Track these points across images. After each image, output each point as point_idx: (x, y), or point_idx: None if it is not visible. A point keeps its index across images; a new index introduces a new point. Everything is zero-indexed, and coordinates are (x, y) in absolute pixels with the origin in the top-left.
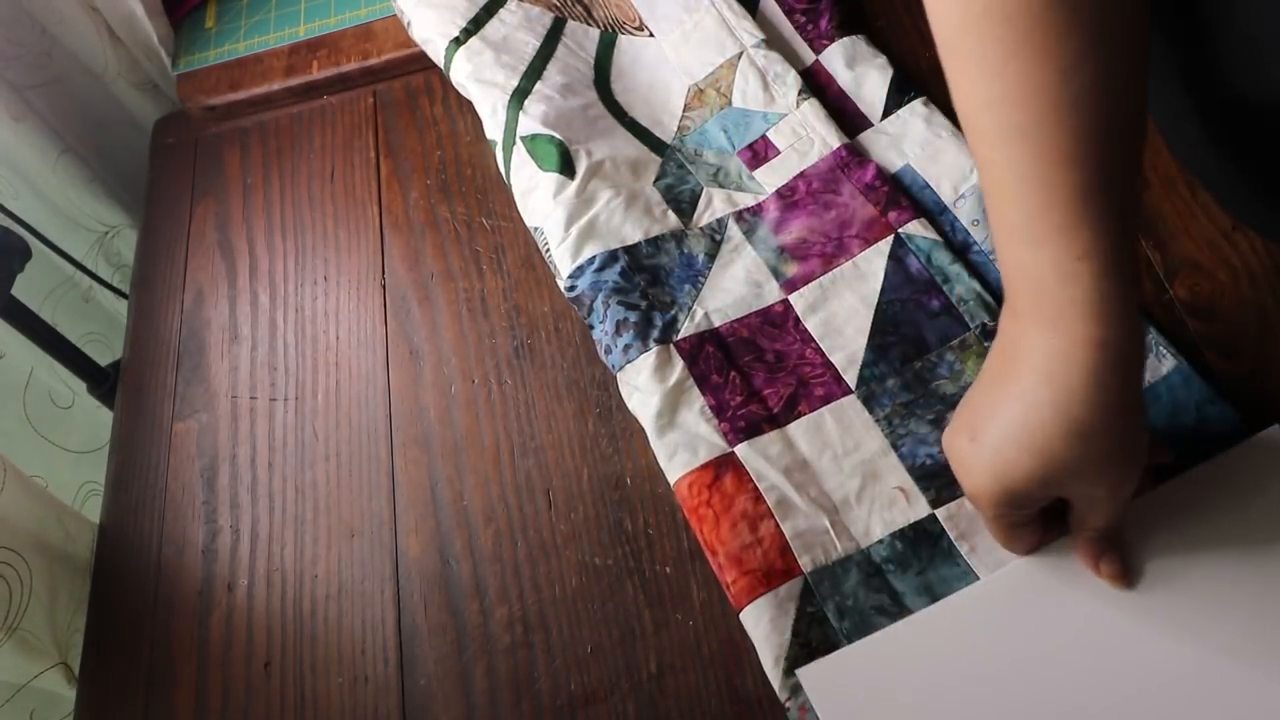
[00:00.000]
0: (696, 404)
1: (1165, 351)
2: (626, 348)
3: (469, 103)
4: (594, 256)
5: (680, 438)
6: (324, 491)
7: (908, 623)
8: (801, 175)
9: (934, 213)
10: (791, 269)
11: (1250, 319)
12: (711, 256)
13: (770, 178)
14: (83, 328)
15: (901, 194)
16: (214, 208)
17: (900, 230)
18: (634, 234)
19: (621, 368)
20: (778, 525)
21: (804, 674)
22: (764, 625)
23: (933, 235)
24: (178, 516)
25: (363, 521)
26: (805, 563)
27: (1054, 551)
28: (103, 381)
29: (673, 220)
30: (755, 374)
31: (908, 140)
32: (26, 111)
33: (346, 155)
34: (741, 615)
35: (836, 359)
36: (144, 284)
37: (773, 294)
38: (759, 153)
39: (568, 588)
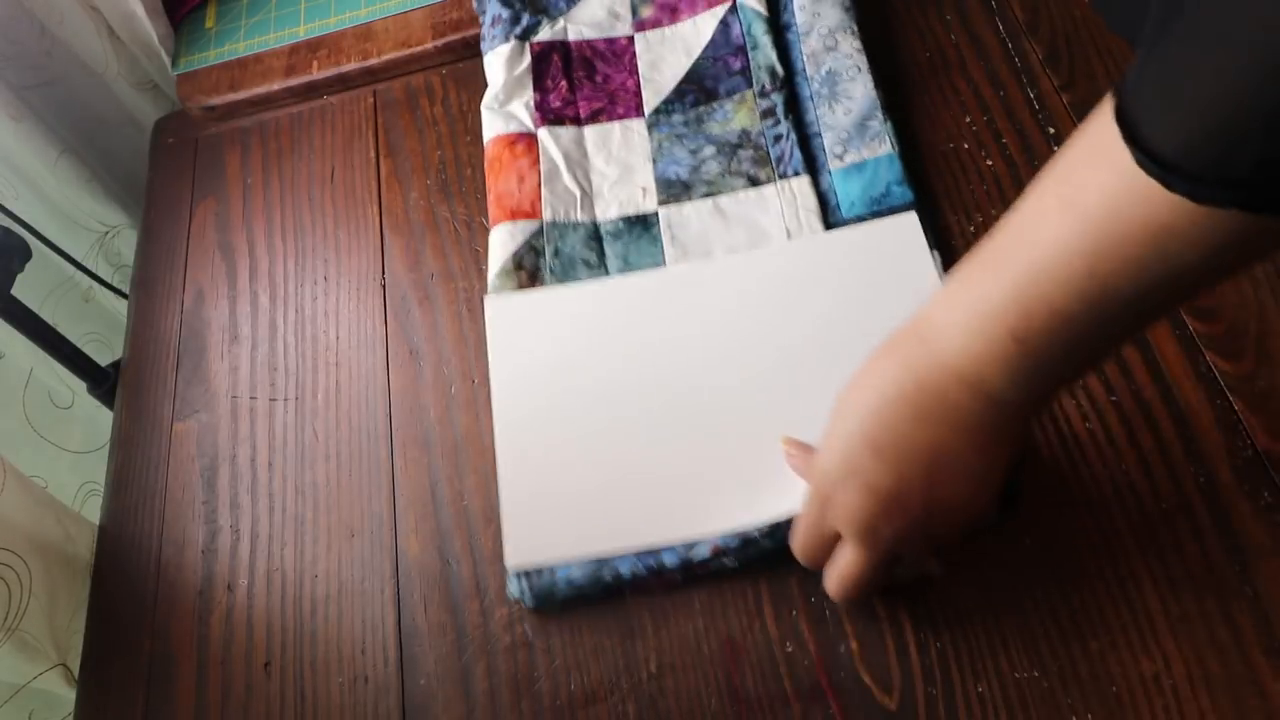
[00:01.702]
0: (525, 97)
1: (889, 139)
2: (493, 38)
3: (469, 102)
4: None
5: (504, 115)
6: (324, 491)
7: (583, 286)
8: None
9: None
10: (647, 11)
11: (1250, 319)
12: None
13: None
14: (83, 328)
15: None
16: (214, 208)
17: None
18: None
19: (487, 53)
20: (539, 184)
21: (489, 301)
22: (498, 242)
23: (761, 9)
24: (178, 516)
25: (363, 521)
26: (547, 214)
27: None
28: (103, 381)
29: None
30: (582, 87)
31: None
32: (26, 111)
33: (346, 155)
34: (490, 232)
35: (647, 92)
36: (144, 284)
37: (624, 29)
38: None
39: None
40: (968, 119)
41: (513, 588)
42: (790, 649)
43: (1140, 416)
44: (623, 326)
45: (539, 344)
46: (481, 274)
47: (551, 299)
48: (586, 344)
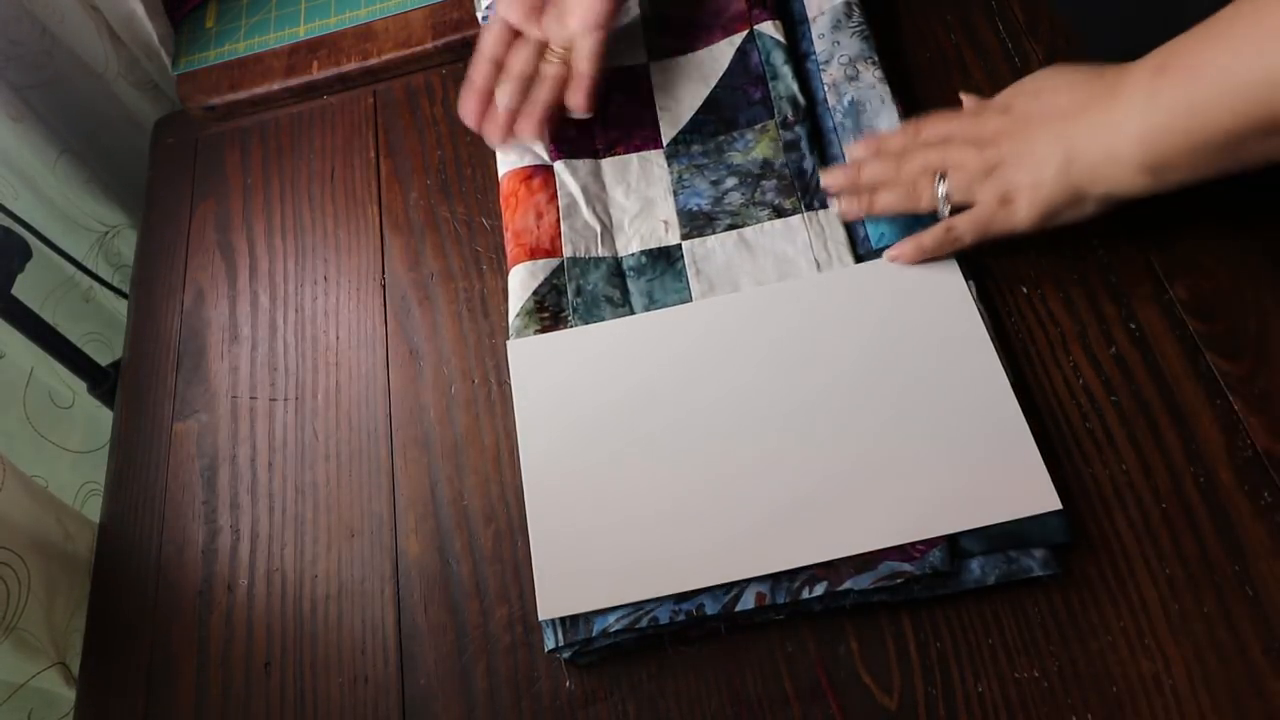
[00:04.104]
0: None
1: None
2: None
3: None
4: None
5: (517, 147)
6: (324, 491)
7: (608, 325)
8: None
9: (795, 20)
10: (661, 38)
11: (1250, 319)
12: None
13: None
14: (83, 328)
15: None
16: (214, 208)
17: (755, 27)
18: None
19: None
20: (559, 220)
21: (511, 345)
22: (517, 283)
23: (779, 37)
24: (178, 516)
25: (363, 521)
26: (567, 250)
27: (755, 296)
28: (103, 381)
29: None
30: (596, 119)
31: None
32: (26, 111)
33: (346, 155)
34: (510, 274)
35: (664, 122)
36: (144, 284)
37: (639, 58)
38: None
39: None
40: None
41: (549, 640)
42: (790, 649)
43: (1140, 416)
44: (651, 364)
45: (564, 386)
46: (482, 274)
47: (576, 339)
48: (614, 384)
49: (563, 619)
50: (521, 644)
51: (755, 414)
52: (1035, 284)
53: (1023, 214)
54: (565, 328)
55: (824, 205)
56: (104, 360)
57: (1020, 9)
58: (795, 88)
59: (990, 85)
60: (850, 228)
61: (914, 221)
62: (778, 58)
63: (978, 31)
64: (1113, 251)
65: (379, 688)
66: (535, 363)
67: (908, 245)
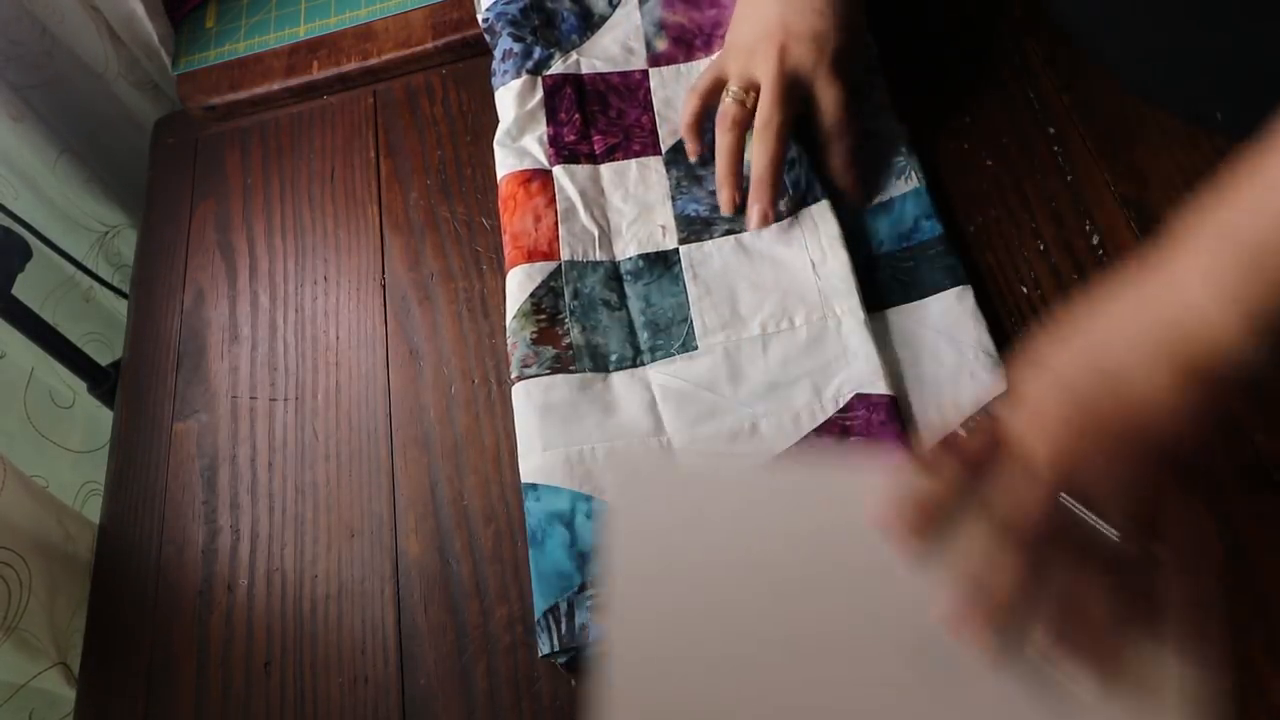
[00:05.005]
0: (539, 131)
1: (915, 173)
2: (505, 73)
3: (469, 103)
4: None
5: (516, 151)
6: (324, 491)
7: (738, 464)
8: None
9: None
10: (661, 45)
11: None
12: (605, 18)
13: None
14: (83, 328)
15: None
16: (214, 208)
17: None
18: None
19: (498, 88)
20: (556, 224)
21: (613, 459)
22: (515, 285)
23: None
24: (178, 516)
25: (363, 521)
26: (565, 254)
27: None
28: (103, 381)
29: None
30: (596, 122)
31: None
32: (26, 111)
33: (346, 155)
34: (506, 275)
35: (663, 130)
36: (144, 284)
37: (639, 63)
38: None
39: None
40: (967, 119)
41: (542, 645)
42: None
43: None
44: (773, 538)
45: (670, 528)
46: (482, 274)
47: (690, 480)
48: (724, 547)
49: (556, 625)
50: (521, 644)
51: (884, 642)
52: (1036, 285)
53: None
54: (562, 330)
55: (815, 200)
56: (104, 360)
57: (1020, 8)
58: None
59: (990, 85)
60: (841, 221)
61: (906, 223)
62: None
63: (978, 31)
64: (1113, 252)
65: (379, 688)
66: (639, 483)
67: None
